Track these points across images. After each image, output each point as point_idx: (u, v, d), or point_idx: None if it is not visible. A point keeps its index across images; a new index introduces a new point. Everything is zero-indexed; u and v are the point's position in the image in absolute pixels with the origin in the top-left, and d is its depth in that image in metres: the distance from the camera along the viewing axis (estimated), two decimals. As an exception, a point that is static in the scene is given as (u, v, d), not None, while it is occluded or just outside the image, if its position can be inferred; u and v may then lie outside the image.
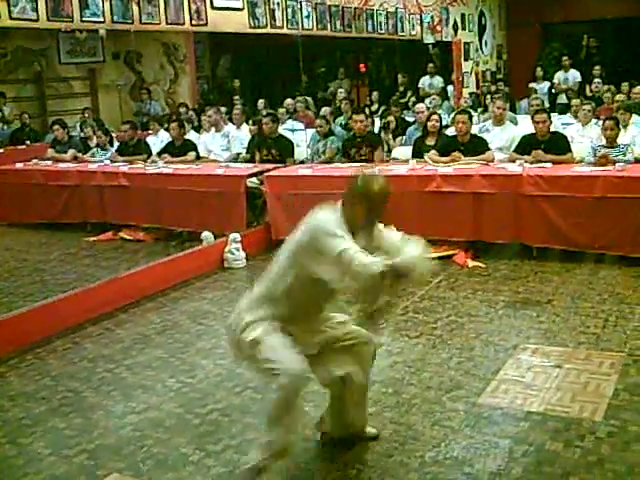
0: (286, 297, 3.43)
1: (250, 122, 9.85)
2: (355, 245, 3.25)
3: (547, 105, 12.27)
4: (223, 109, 11.11)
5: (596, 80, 12.73)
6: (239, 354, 3.55)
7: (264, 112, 10.45)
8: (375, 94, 14.23)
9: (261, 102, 12.25)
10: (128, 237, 8.58)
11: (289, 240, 3.51)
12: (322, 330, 3.58)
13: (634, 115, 8.64)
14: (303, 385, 3.30)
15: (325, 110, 11.01)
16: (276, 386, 3.26)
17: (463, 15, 15.30)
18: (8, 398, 4.62)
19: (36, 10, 6.86)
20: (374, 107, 13.59)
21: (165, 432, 4.06)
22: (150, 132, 10.64)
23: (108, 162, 9.33)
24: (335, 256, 3.21)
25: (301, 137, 10.16)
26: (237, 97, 13.24)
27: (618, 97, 10.65)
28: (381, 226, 3.56)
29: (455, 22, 14.94)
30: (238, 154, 9.47)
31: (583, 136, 8.43)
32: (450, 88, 14.77)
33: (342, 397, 3.69)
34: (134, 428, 4.13)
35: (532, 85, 14.29)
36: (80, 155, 9.92)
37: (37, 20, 6.94)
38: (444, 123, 8.86)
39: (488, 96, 12.77)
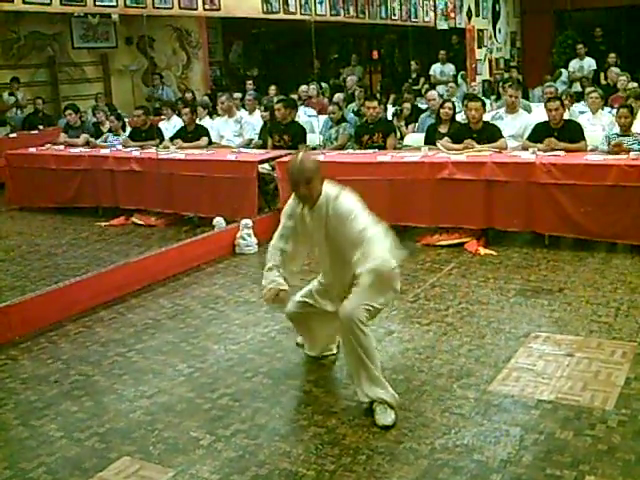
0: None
1: (262, 108, 9.82)
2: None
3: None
4: (237, 95, 11.10)
5: (612, 68, 12.61)
6: None
7: (275, 98, 10.42)
8: (382, 84, 14.16)
9: (272, 88, 12.23)
10: (140, 222, 8.60)
11: None
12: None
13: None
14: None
15: (337, 97, 10.96)
16: None
17: (477, 1, 15.17)
18: (20, 381, 4.65)
19: (49, -6, 6.86)
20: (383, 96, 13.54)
21: (176, 416, 4.08)
22: (163, 117, 10.64)
23: (120, 147, 9.34)
24: None
25: (313, 123, 10.15)
26: (249, 83, 13.24)
27: (629, 85, 10.56)
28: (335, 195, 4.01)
29: (469, 8, 14.83)
30: (250, 140, 9.45)
31: (594, 124, 8.36)
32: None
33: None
34: (145, 412, 4.15)
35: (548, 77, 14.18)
36: (92, 140, 9.94)
37: (50, 4, 6.93)
38: (457, 110, 8.82)
39: (501, 84, 12.69)
